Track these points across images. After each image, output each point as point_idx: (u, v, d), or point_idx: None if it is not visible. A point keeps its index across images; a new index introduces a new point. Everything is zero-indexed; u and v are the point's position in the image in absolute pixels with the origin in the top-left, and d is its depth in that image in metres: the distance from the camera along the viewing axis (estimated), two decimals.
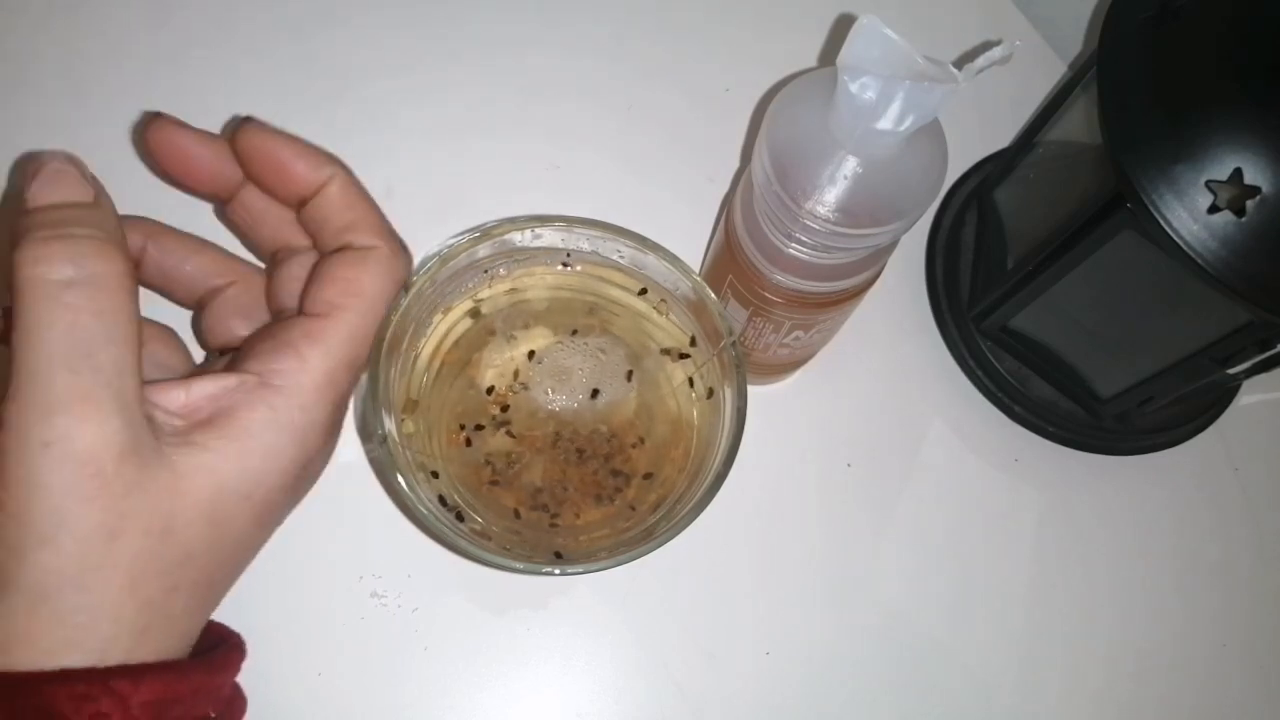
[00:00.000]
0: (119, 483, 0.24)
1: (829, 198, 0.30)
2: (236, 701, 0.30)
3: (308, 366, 0.28)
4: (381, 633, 0.38)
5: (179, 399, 0.26)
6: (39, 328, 0.24)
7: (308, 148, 0.31)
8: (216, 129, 0.44)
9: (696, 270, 0.35)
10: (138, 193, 0.43)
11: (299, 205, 0.32)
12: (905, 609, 0.41)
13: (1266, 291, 0.31)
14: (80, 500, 0.24)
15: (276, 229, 0.33)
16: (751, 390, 0.34)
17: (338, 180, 0.31)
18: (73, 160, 0.28)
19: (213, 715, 0.27)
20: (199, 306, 0.35)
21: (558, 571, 0.31)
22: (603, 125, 0.48)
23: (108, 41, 0.45)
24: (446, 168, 0.46)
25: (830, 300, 0.35)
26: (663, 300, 0.36)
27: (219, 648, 0.29)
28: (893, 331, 0.46)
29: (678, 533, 0.31)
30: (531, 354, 0.37)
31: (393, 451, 0.31)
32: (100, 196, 0.27)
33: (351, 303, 0.29)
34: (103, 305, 0.24)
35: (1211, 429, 0.46)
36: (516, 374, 0.36)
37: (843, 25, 0.50)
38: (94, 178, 0.28)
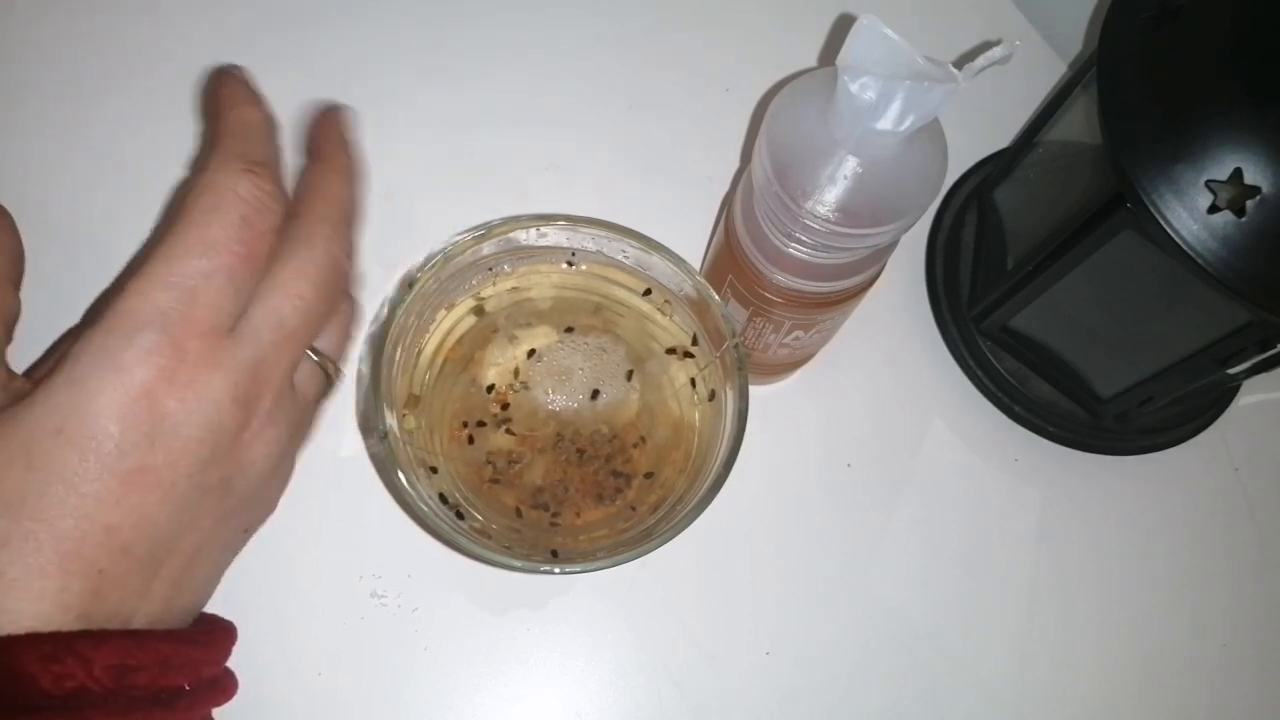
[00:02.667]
0: None
1: (829, 198, 0.30)
2: (224, 682, 0.30)
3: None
4: (381, 633, 0.38)
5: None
6: None
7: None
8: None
9: (697, 271, 0.35)
10: (131, 188, 0.43)
11: None
12: (905, 609, 0.41)
13: (1266, 291, 0.31)
14: None
15: None
16: (752, 390, 0.34)
17: None
18: None
19: (186, 688, 0.27)
20: None
21: (557, 570, 0.31)
22: (603, 125, 0.48)
23: (104, 39, 0.45)
24: (446, 167, 0.46)
25: (830, 300, 0.35)
26: (666, 301, 0.36)
27: (200, 627, 0.30)
28: (893, 331, 0.46)
29: (677, 533, 0.31)
30: (532, 353, 0.37)
31: (394, 447, 0.31)
32: None
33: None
34: None
35: (1212, 429, 0.46)
36: (517, 372, 0.36)
37: (843, 25, 0.50)
38: None
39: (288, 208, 0.29)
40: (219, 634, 0.30)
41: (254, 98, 0.31)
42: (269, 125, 0.31)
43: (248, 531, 0.31)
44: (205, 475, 0.27)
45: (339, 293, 0.31)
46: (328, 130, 0.33)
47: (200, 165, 0.33)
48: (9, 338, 0.29)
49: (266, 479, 0.30)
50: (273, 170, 0.29)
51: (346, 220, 0.31)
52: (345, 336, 0.33)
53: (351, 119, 0.34)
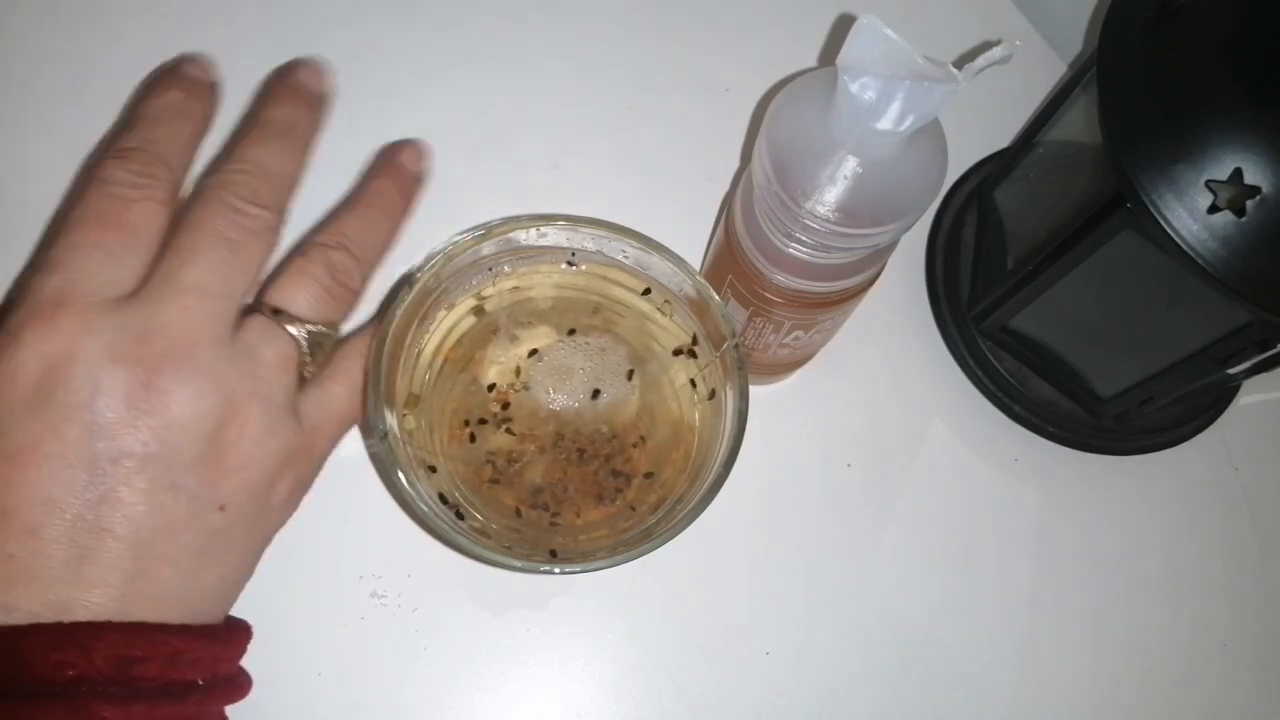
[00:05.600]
0: None
1: (829, 198, 0.30)
2: (239, 680, 0.30)
3: None
4: (381, 633, 0.38)
5: None
6: None
7: None
8: (215, 129, 0.45)
9: (697, 271, 0.35)
10: None
11: None
12: (905, 609, 0.41)
13: (1266, 291, 0.31)
14: None
15: None
16: (752, 390, 0.34)
17: None
18: None
19: (200, 682, 0.27)
20: None
21: (557, 570, 0.31)
22: (603, 124, 0.48)
23: (104, 39, 0.45)
24: (446, 166, 0.46)
25: (830, 300, 0.35)
26: (666, 301, 0.36)
27: (217, 624, 0.30)
28: (893, 332, 0.46)
29: (677, 533, 0.31)
30: (533, 352, 0.37)
31: (393, 447, 0.31)
32: None
33: None
34: None
35: (1212, 429, 0.46)
36: (518, 372, 0.36)
37: (843, 25, 0.50)
38: None
39: (172, 176, 0.29)
40: (235, 632, 0.30)
41: (167, 83, 0.31)
42: (176, 106, 0.31)
43: (225, 509, 0.28)
44: (102, 443, 0.26)
45: (249, 240, 0.29)
46: (274, 88, 0.33)
47: None
48: None
49: (208, 445, 0.28)
50: (148, 151, 0.29)
51: (257, 171, 0.30)
52: (316, 289, 0.31)
53: (314, 70, 0.34)
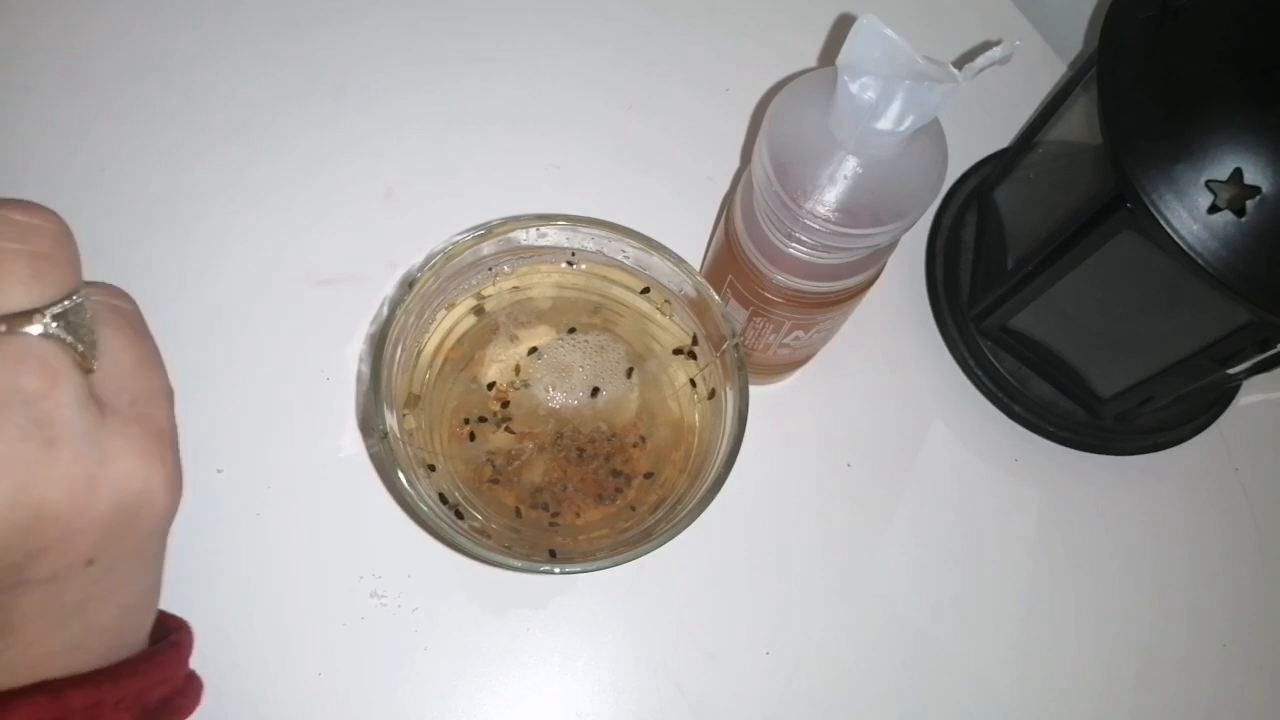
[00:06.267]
0: None
1: (829, 198, 0.30)
2: (176, 701, 0.28)
3: None
4: (381, 633, 0.38)
5: None
6: None
7: None
8: (215, 127, 0.45)
9: (697, 270, 0.35)
10: (132, 186, 0.43)
11: None
12: (905, 608, 0.41)
13: (1266, 291, 0.31)
14: None
15: None
16: (752, 390, 0.34)
17: None
18: None
19: None
20: None
21: (557, 570, 0.31)
22: (603, 124, 0.48)
23: (104, 39, 0.45)
24: (446, 166, 0.46)
25: (830, 300, 0.35)
26: (666, 301, 0.36)
27: (135, 654, 0.27)
28: (893, 331, 0.46)
29: (677, 533, 0.31)
30: (533, 350, 0.37)
31: (393, 447, 0.31)
32: None
33: None
34: None
35: (1212, 429, 0.46)
36: (518, 370, 0.36)
37: (843, 25, 0.50)
38: None
39: None
40: (163, 653, 0.27)
41: None
42: None
43: (93, 563, 0.24)
44: None
45: None
46: None
47: None
48: None
49: (33, 524, 0.22)
50: None
51: None
52: (20, 267, 0.22)
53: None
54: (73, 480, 0.23)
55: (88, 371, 0.24)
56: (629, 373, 0.37)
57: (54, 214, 0.24)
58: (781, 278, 0.34)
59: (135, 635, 0.27)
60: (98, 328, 0.25)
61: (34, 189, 0.42)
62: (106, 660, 0.26)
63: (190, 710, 0.28)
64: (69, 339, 0.23)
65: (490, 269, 0.36)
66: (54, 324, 0.23)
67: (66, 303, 0.23)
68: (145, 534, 0.25)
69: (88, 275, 0.25)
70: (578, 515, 0.35)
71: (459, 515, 0.32)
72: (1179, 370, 0.39)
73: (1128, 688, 0.42)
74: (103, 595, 0.25)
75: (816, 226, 0.31)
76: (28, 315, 0.22)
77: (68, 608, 0.24)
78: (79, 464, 0.23)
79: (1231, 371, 0.39)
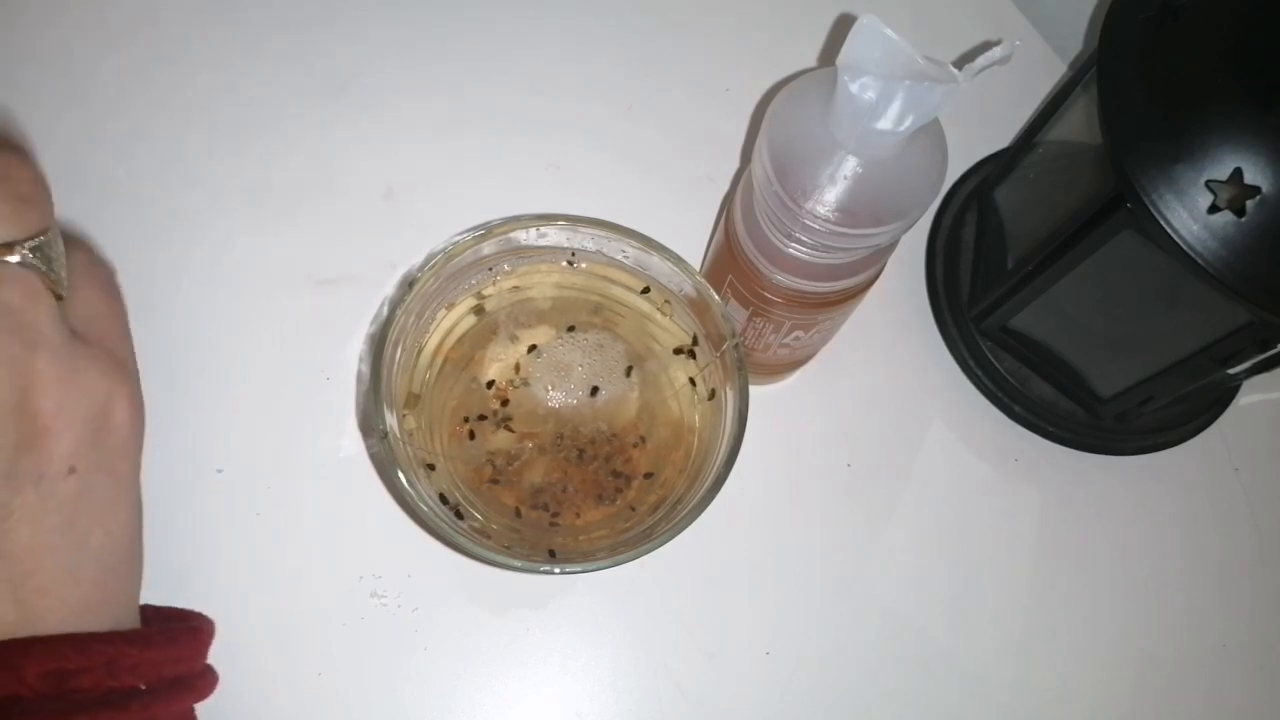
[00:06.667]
0: None
1: (829, 198, 0.30)
2: (194, 681, 0.29)
3: None
4: (381, 633, 0.38)
5: None
6: None
7: None
8: (215, 128, 0.45)
9: (697, 270, 0.35)
10: (133, 187, 0.43)
11: None
12: (905, 609, 0.41)
13: (1266, 291, 0.31)
14: None
15: None
16: (751, 390, 0.34)
17: None
18: None
19: (143, 688, 0.27)
20: None
21: (557, 570, 0.31)
22: (603, 124, 0.48)
23: (104, 38, 0.45)
24: (446, 166, 0.46)
25: (830, 300, 0.35)
26: (666, 301, 0.36)
27: (157, 626, 0.29)
28: (893, 331, 0.46)
29: (677, 534, 0.31)
30: (533, 348, 0.37)
31: (393, 447, 0.31)
32: None
33: None
34: None
35: (1212, 429, 0.46)
36: (517, 368, 0.36)
37: (843, 25, 0.50)
38: None
39: None
40: (178, 632, 0.29)
41: None
42: None
43: (75, 470, 0.27)
44: None
45: None
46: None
47: None
48: None
49: (14, 419, 0.25)
50: None
51: None
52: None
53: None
54: (50, 379, 0.26)
55: (58, 298, 0.27)
56: (628, 371, 0.37)
57: (30, 159, 0.27)
58: (781, 278, 0.34)
59: (126, 574, 0.29)
60: (74, 275, 0.28)
61: None
62: (104, 596, 0.28)
63: (202, 695, 0.30)
64: (43, 268, 0.26)
65: (490, 269, 0.36)
66: (30, 255, 0.26)
67: (41, 238, 0.26)
68: (115, 447, 0.28)
69: None
70: (578, 515, 0.35)
71: (459, 515, 0.32)
72: (1179, 370, 0.39)
73: (1127, 687, 0.42)
74: (88, 513, 0.27)
75: (816, 226, 0.31)
76: (8, 246, 0.26)
77: (57, 516, 0.26)
78: (56, 365, 0.26)
79: (1231, 371, 0.39)
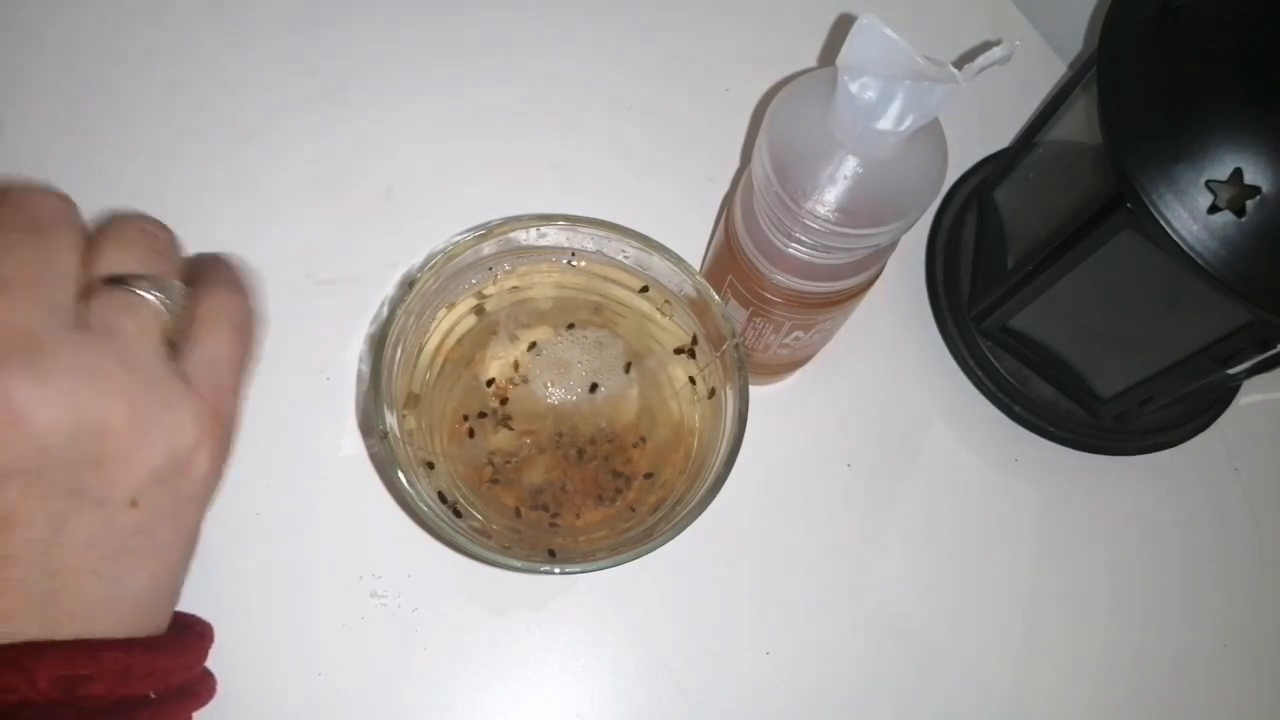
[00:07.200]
0: None
1: (829, 198, 0.30)
2: (197, 688, 0.29)
3: None
4: (381, 633, 0.38)
5: None
6: None
7: None
8: (215, 127, 0.45)
9: (697, 270, 0.35)
10: (134, 188, 0.43)
11: None
12: (905, 609, 0.41)
13: (1266, 291, 0.31)
14: None
15: None
16: (751, 390, 0.34)
17: None
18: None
19: (152, 695, 0.27)
20: None
21: (557, 571, 0.31)
22: (603, 124, 0.48)
23: (104, 38, 0.45)
24: (447, 166, 0.46)
25: (830, 300, 0.35)
26: (666, 301, 0.36)
27: (165, 633, 0.29)
28: (893, 331, 0.46)
29: (677, 534, 0.31)
30: (532, 346, 0.37)
31: (393, 447, 0.31)
32: None
33: None
34: None
35: (1212, 429, 0.46)
36: (516, 366, 0.36)
37: (843, 25, 0.50)
38: None
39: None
40: (189, 640, 0.29)
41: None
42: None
43: (137, 505, 0.27)
44: None
45: (54, 227, 0.27)
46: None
47: None
48: None
49: (94, 440, 0.25)
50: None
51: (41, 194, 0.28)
52: (139, 249, 0.29)
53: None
54: (136, 409, 0.26)
55: (170, 343, 0.28)
56: (627, 368, 0.37)
57: (169, 230, 0.30)
58: (781, 278, 0.34)
59: (157, 616, 0.29)
60: (199, 313, 0.29)
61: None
62: (130, 633, 0.27)
63: (203, 701, 0.30)
64: (164, 310, 0.28)
65: (490, 269, 0.36)
66: (155, 294, 0.28)
67: (167, 280, 0.28)
68: (186, 495, 0.28)
69: None
70: (578, 516, 0.35)
71: (459, 515, 0.32)
72: (1179, 370, 0.39)
73: (1127, 687, 0.42)
74: (140, 551, 0.27)
75: (816, 226, 0.31)
76: (135, 279, 0.27)
77: (108, 545, 0.26)
78: (146, 397, 0.26)
79: (1231, 371, 0.39)
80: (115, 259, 0.28)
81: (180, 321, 0.29)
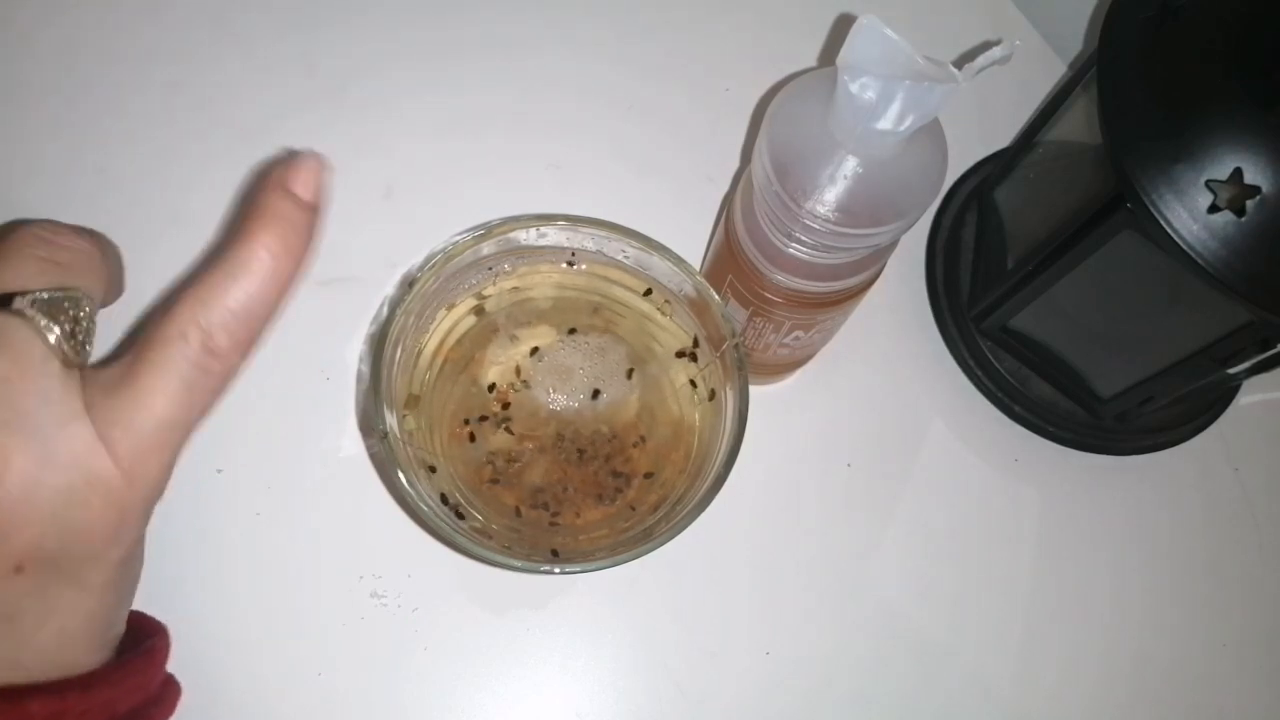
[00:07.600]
0: None
1: (829, 197, 0.30)
2: (148, 711, 0.27)
3: None
4: (381, 633, 0.38)
5: None
6: None
7: None
8: (215, 127, 0.45)
9: (697, 270, 0.35)
10: (134, 188, 0.43)
11: None
12: (905, 609, 0.41)
13: (1267, 291, 0.31)
14: None
15: None
16: (751, 390, 0.34)
17: None
18: None
19: None
20: None
21: (557, 570, 0.31)
22: (603, 124, 0.48)
23: (104, 38, 0.45)
24: (446, 166, 0.46)
25: (830, 300, 0.35)
26: (666, 301, 0.36)
27: (108, 663, 0.26)
28: (893, 331, 0.46)
29: (677, 534, 0.31)
30: (534, 351, 0.37)
31: (393, 447, 0.31)
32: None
33: None
34: None
35: (1211, 429, 0.46)
36: (518, 371, 0.36)
37: (843, 25, 0.50)
38: None
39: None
40: (135, 662, 0.27)
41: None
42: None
43: (22, 570, 0.23)
44: None
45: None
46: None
47: None
48: None
49: None
50: None
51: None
52: (29, 262, 0.24)
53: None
54: (12, 469, 0.21)
55: (68, 365, 0.23)
56: (629, 374, 0.37)
57: (90, 238, 0.25)
58: (781, 278, 0.34)
59: (92, 653, 0.26)
60: (144, 349, 0.24)
61: (37, 192, 0.42)
62: (63, 675, 0.24)
63: (169, 711, 0.28)
64: (44, 322, 0.22)
65: (490, 269, 0.36)
66: (38, 309, 0.22)
67: (62, 292, 0.23)
68: (81, 558, 0.24)
69: None
70: (578, 515, 0.35)
71: (459, 515, 0.32)
72: (1179, 370, 0.39)
73: (1127, 687, 0.42)
74: (36, 613, 0.23)
75: (816, 226, 0.31)
76: (24, 296, 0.22)
77: None
78: (23, 456, 0.22)
79: (1231, 371, 0.39)
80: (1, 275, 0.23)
81: (81, 343, 0.24)
